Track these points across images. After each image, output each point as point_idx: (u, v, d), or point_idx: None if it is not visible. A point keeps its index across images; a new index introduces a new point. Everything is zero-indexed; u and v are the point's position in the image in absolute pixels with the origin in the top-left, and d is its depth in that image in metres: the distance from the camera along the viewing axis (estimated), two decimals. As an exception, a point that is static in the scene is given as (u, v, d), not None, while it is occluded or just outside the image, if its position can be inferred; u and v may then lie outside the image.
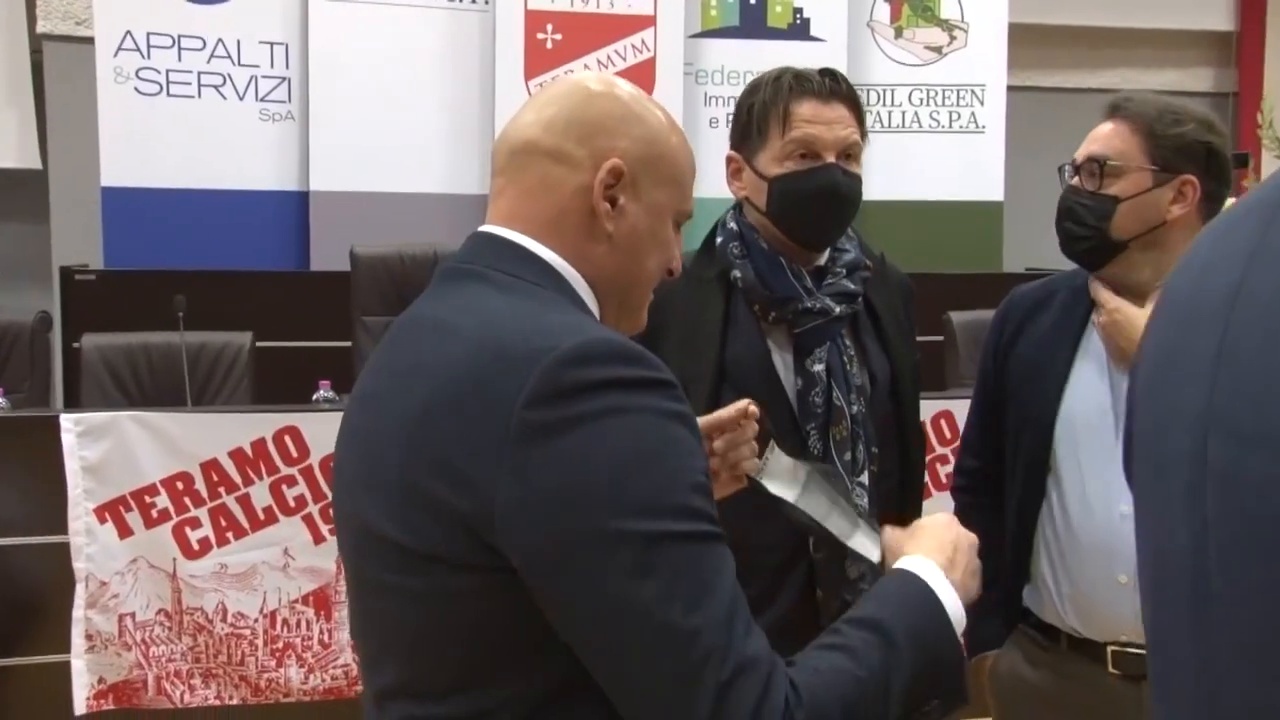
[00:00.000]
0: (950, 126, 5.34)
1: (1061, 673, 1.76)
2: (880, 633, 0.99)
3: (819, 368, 1.63)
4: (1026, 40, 5.81)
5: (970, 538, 1.19)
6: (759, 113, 1.65)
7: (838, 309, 1.64)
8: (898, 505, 1.68)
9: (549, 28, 4.89)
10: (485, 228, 1.11)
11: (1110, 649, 1.71)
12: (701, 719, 0.89)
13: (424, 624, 0.99)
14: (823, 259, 1.69)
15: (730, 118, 5.56)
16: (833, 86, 1.64)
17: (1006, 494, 1.83)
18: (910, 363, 1.75)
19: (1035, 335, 1.81)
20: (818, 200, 1.62)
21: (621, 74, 4.94)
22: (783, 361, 1.65)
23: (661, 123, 1.12)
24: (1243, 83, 7.00)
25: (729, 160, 1.70)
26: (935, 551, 1.11)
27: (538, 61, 4.89)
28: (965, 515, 1.94)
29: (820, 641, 0.99)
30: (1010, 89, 5.51)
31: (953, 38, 5.38)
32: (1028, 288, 1.90)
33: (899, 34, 5.39)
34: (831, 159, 1.61)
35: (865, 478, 1.63)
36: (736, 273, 1.65)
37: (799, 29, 5.21)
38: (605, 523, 0.90)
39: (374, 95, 4.77)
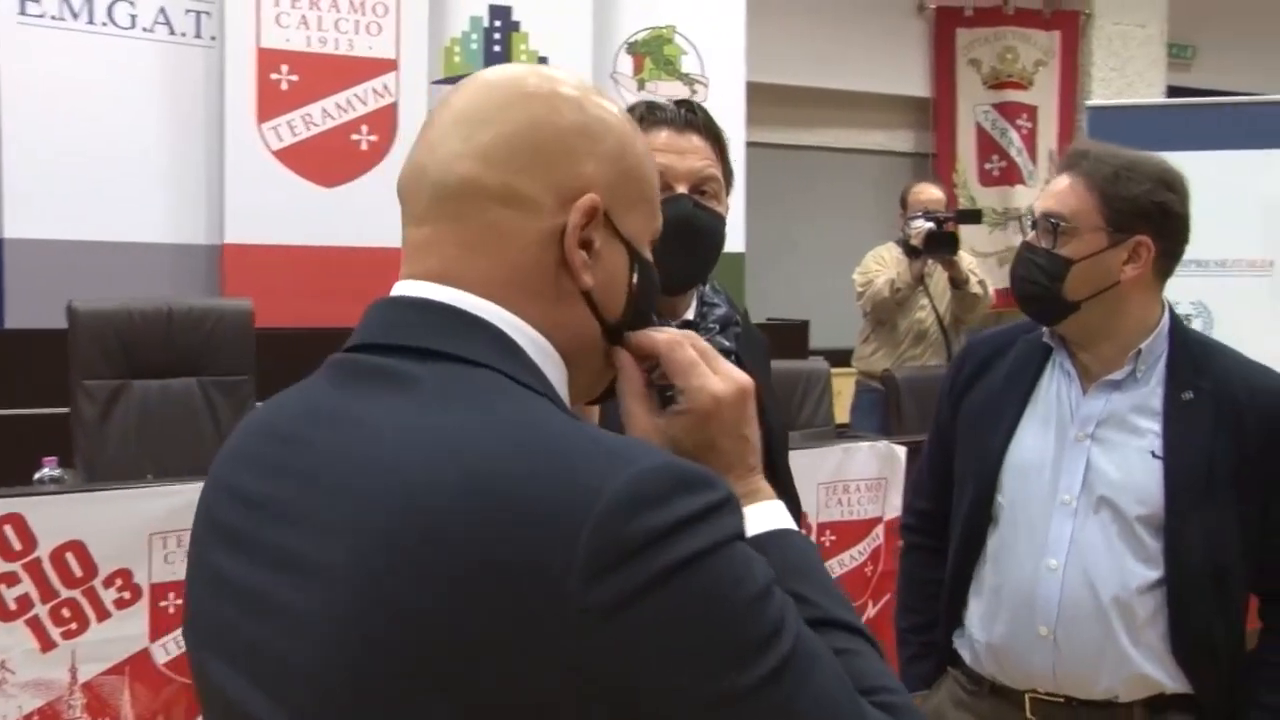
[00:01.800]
0: (694, 179, 5.41)
1: (981, 716, 1.79)
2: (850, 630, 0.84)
3: None
4: (758, 98, 6.02)
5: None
6: None
7: None
8: None
9: (284, 68, 4.56)
10: (410, 289, 0.83)
11: (1028, 696, 1.74)
12: None
13: None
14: (690, 312, 1.56)
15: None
16: (688, 116, 1.53)
17: (950, 539, 1.84)
18: (781, 427, 1.66)
19: (988, 385, 1.82)
20: (669, 234, 1.49)
21: (363, 120, 4.70)
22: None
23: (624, 125, 0.88)
24: (939, 145, 7.60)
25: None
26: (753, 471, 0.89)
27: (271, 103, 4.54)
28: (910, 555, 1.96)
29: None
30: (746, 144, 5.68)
31: (694, 92, 5.47)
32: (986, 335, 1.92)
33: (641, 86, 5.43)
34: (683, 190, 1.49)
35: None
36: None
37: (545, 78, 5.14)
38: (726, 682, 0.72)
39: (82, 133, 4.27)
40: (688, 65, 5.47)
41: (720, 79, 5.50)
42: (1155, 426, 1.68)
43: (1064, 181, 1.70)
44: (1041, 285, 1.70)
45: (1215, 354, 1.75)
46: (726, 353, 1.53)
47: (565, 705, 0.70)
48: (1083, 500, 1.70)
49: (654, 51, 5.44)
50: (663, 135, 1.51)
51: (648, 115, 1.52)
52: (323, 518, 0.75)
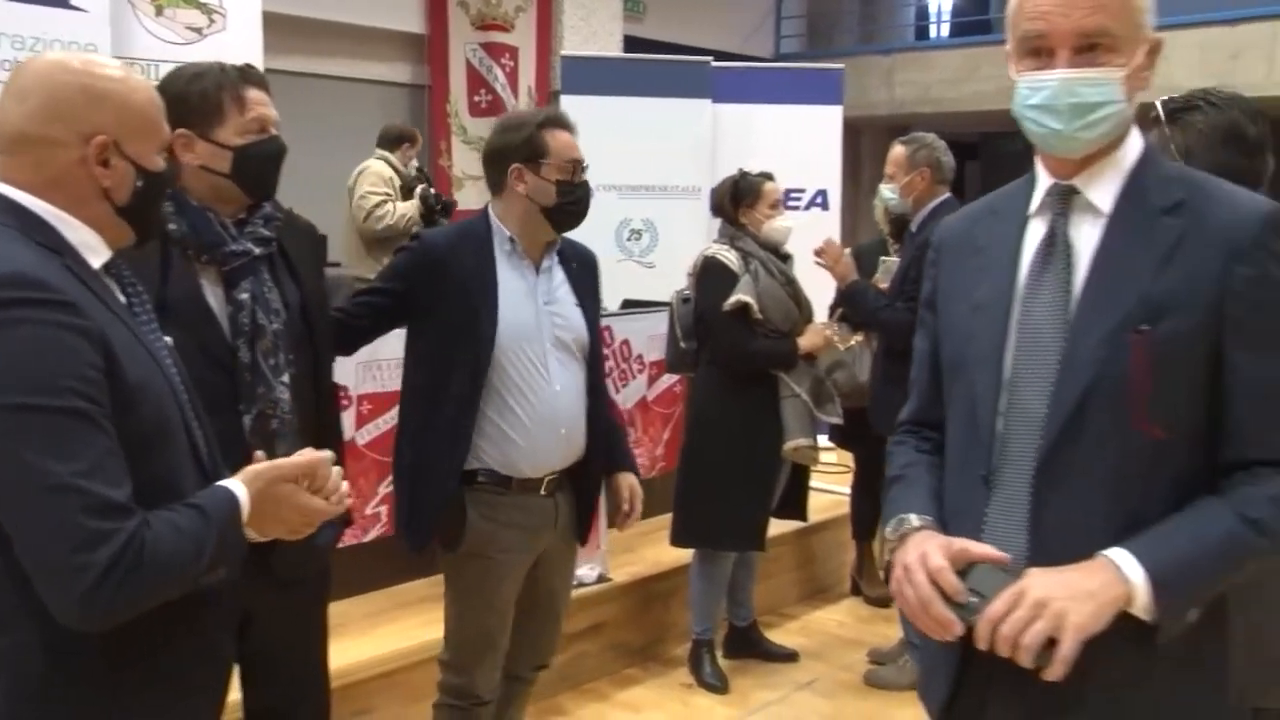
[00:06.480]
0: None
1: (517, 505, 2.58)
2: (204, 513, 1.42)
3: (244, 296, 2.02)
4: (276, 28, 6.33)
5: (289, 492, 1.54)
6: (214, 95, 2.02)
7: (257, 250, 2.04)
8: (312, 396, 2.16)
9: None
10: None
11: (546, 478, 2.60)
12: (63, 553, 1.26)
13: None
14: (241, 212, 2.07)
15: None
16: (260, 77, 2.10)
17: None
18: (318, 293, 2.21)
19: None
20: (276, 162, 2.09)
21: None
22: (214, 294, 2.02)
23: (125, 89, 1.46)
24: (434, 78, 8.25)
25: (178, 136, 1.98)
26: (253, 480, 1.49)
27: None
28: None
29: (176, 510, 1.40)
30: (267, 71, 5.97)
31: (212, 20, 5.71)
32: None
33: (160, 12, 5.57)
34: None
35: (286, 378, 2.05)
36: (172, 226, 1.96)
37: (59, -4, 5.15)
38: None
39: None
40: (206, -7, 5.71)
41: (237, 8, 5.79)
42: None
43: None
44: None
45: None
46: (267, 240, 2.10)
47: None
48: None
49: (171, -20, 5.60)
50: (258, 93, 2.05)
51: (241, 76, 2.05)
52: None
